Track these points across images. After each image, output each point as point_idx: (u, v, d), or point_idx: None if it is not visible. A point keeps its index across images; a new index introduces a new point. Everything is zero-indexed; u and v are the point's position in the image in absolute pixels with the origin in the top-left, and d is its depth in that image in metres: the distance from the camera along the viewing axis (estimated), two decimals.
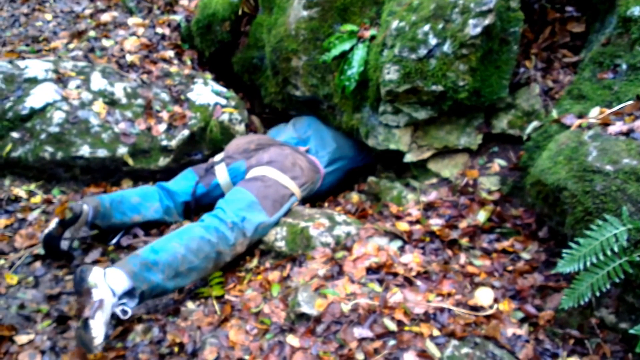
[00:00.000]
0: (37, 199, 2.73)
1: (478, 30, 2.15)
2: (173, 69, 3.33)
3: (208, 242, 2.16)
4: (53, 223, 2.32)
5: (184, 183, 2.69)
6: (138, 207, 2.51)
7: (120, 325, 2.06)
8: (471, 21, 2.16)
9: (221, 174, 2.68)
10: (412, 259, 2.06)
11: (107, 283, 1.91)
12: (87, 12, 3.65)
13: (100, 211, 2.38)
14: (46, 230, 2.32)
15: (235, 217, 2.27)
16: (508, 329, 1.76)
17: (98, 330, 1.80)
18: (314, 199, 2.96)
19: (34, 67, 2.96)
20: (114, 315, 1.94)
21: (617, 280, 1.54)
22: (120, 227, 2.53)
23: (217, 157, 2.79)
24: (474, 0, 2.17)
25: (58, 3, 3.74)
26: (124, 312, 1.95)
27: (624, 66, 2.07)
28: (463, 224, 2.21)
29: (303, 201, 2.78)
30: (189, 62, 3.52)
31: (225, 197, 2.43)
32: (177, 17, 3.70)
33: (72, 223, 2.30)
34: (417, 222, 2.27)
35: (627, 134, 1.80)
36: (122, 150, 2.87)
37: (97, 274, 1.91)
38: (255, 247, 2.38)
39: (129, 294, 1.99)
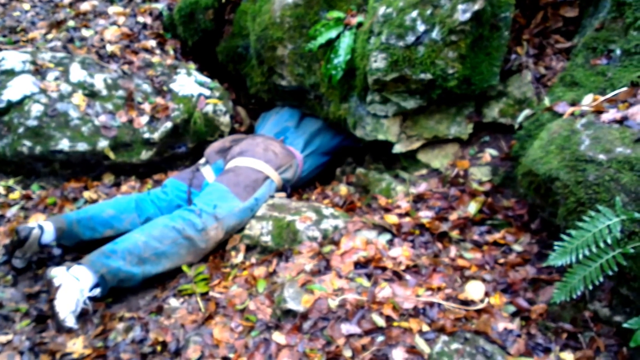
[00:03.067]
0: (15, 194, 2.67)
1: (467, 15, 2.10)
2: (155, 59, 3.27)
3: (172, 228, 2.23)
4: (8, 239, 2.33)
5: (171, 189, 2.61)
6: (110, 221, 2.40)
7: (101, 324, 2.03)
8: (460, 6, 2.11)
9: (209, 176, 2.68)
10: (401, 252, 2.03)
11: (70, 273, 2.03)
12: (66, 1, 3.56)
13: (64, 231, 2.29)
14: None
15: (205, 206, 2.33)
16: (499, 323, 1.73)
17: (61, 307, 1.96)
18: (301, 187, 2.95)
19: (11, 58, 2.89)
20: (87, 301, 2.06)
21: (610, 273, 1.51)
22: (91, 243, 2.40)
23: (201, 161, 2.80)
24: None
25: None
26: (95, 293, 2.07)
27: (618, 51, 2.03)
28: (453, 216, 2.17)
29: (290, 193, 2.77)
30: (171, 52, 3.46)
31: (199, 194, 2.46)
32: (159, 6, 3.62)
33: (20, 245, 2.21)
34: (407, 214, 2.24)
35: (621, 121, 1.76)
36: (102, 144, 2.81)
37: (59, 269, 2.05)
38: (240, 242, 2.33)
39: (96, 286, 2.08)
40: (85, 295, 2.03)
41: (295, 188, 2.93)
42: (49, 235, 2.26)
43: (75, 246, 2.39)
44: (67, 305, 1.98)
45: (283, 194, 2.66)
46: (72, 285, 2.00)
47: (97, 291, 2.07)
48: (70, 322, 1.97)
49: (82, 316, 2.05)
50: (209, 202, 2.35)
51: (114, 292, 2.20)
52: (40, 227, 2.23)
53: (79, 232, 2.32)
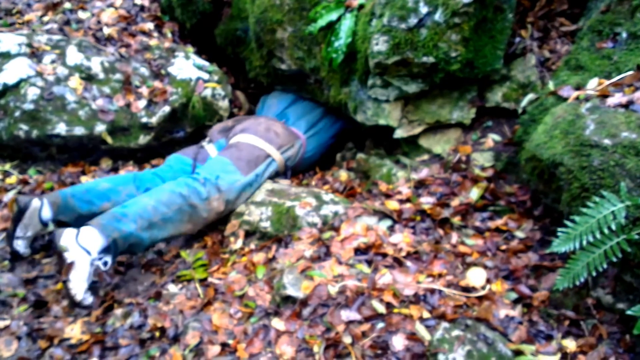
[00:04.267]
0: (12, 179, 2.66)
1: None
2: (153, 42, 3.22)
3: (179, 194, 2.22)
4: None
5: (175, 163, 2.62)
6: (107, 194, 2.36)
7: (99, 307, 2.04)
8: None
9: (212, 152, 2.69)
10: (402, 238, 2.01)
11: (80, 244, 1.99)
12: None
13: (59, 205, 2.25)
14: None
15: (208, 175, 2.33)
16: (501, 310, 1.71)
17: (76, 288, 1.98)
18: (304, 171, 2.94)
19: (7, 41, 2.85)
20: (97, 270, 2.07)
21: (614, 260, 1.49)
22: (92, 218, 2.35)
23: (204, 141, 2.80)
24: None
25: None
26: (105, 263, 2.05)
27: (624, 35, 1.99)
28: (455, 202, 2.15)
29: (290, 175, 2.78)
30: (169, 35, 3.40)
31: (202, 166, 2.49)
32: None
33: (20, 218, 2.18)
34: (408, 200, 2.21)
35: (627, 106, 1.73)
36: (100, 128, 2.78)
37: (69, 236, 2.00)
38: (239, 227, 2.31)
39: (106, 250, 2.05)
40: (94, 264, 2.02)
41: (300, 171, 2.93)
42: (47, 211, 2.23)
43: (75, 222, 2.33)
44: (82, 285, 2.00)
45: (287, 181, 2.65)
46: (84, 262, 1.99)
47: (108, 260, 2.04)
48: (87, 300, 2.03)
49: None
50: (212, 172, 2.35)
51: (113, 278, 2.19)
52: (41, 200, 2.22)
53: (74, 205, 2.29)
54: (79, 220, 2.28)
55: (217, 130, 2.81)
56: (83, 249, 1.98)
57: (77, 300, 2.00)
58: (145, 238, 2.14)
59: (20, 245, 2.25)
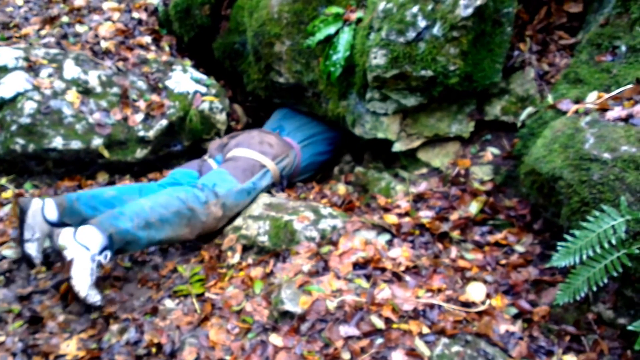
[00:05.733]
0: (8, 193, 2.65)
1: (469, 11, 2.07)
2: (150, 55, 3.23)
3: (177, 198, 2.27)
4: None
5: (181, 176, 2.65)
6: (112, 201, 2.38)
7: (96, 325, 2.02)
8: (462, 2, 2.07)
9: (214, 166, 2.73)
10: (401, 253, 1.99)
11: (77, 241, 2.02)
12: None
13: (65, 207, 2.27)
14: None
15: (206, 182, 2.41)
16: (501, 325, 1.70)
17: (79, 284, 1.99)
18: (304, 180, 2.95)
19: (4, 54, 2.85)
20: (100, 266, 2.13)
21: (615, 274, 1.48)
22: None
23: (205, 156, 2.85)
24: None
25: None
26: (105, 256, 2.07)
27: (623, 48, 1.99)
28: (454, 216, 2.14)
29: (285, 185, 2.80)
30: (167, 48, 3.42)
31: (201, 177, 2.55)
32: (155, 1, 3.57)
33: (23, 219, 2.19)
34: (406, 214, 2.20)
35: (626, 119, 1.73)
36: (97, 142, 2.78)
37: (66, 234, 2.04)
38: (237, 242, 2.29)
39: (105, 248, 2.08)
40: (96, 260, 2.04)
41: (299, 181, 2.94)
42: (51, 211, 2.25)
43: (78, 226, 2.31)
44: (84, 281, 2.00)
45: (284, 194, 2.64)
46: (84, 257, 2.01)
47: (107, 254, 2.06)
48: (93, 297, 2.02)
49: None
50: (209, 181, 2.42)
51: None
52: (42, 199, 2.24)
53: (80, 209, 2.31)
54: (83, 224, 2.28)
55: (214, 147, 2.86)
56: (81, 245, 2.01)
57: (81, 297, 2.00)
58: (142, 237, 2.15)
59: (32, 249, 2.23)
